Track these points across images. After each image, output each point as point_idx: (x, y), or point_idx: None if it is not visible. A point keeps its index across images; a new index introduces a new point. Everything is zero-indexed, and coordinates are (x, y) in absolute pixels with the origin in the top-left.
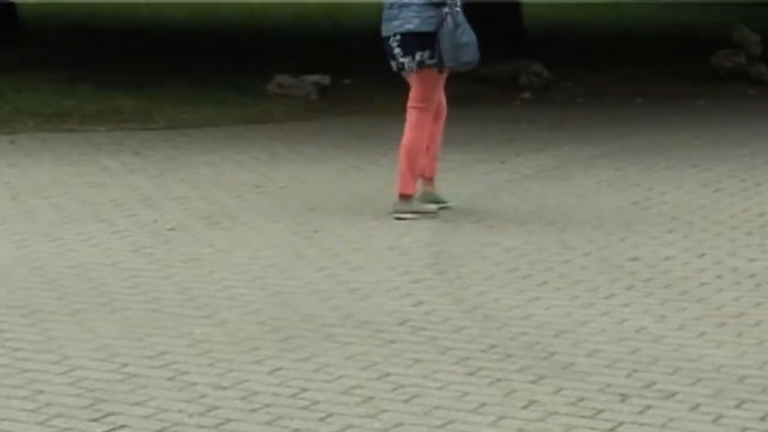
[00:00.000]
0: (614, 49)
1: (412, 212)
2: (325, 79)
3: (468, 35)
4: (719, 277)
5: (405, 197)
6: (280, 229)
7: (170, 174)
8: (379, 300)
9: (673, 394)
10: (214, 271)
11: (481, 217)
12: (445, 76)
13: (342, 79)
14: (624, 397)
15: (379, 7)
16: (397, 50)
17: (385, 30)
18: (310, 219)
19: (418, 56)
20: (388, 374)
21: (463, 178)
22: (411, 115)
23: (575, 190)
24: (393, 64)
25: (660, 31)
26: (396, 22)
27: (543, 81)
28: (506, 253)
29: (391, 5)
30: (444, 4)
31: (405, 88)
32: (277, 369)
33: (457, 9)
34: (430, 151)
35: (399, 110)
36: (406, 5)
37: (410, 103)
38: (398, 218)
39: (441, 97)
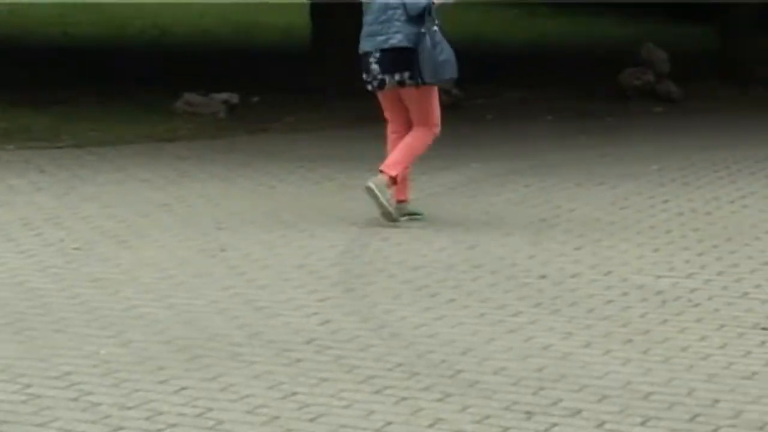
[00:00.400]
0: (524, 66)
1: (382, 199)
2: (233, 98)
3: (446, 53)
4: (626, 294)
5: (387, 177)
6: (187, 247)
7: (77, 192)
8: (285, 319)
9: (579, 411)
10: (121, 290)
11: (389, 235)
12: (437, 91)
13: (250, 97)
14: (530, 415)
15: (290, 27)
16: (374, 67)
17: (366, 45)
18: (218, 237)
19: (397, 76)
20: (294, 393)
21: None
22: (418, 131)
23: (484, 208)
24: (366, 78)
25: (570, 48)
26: (380, 38)
27: (452, 98)
28: (414, 270)
29: (375, 20)
30: (422, 23)
31: (310, 107)
32: (183, 388)
33: (435, 28)
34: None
35: (307, 128)
36: (389, 20)
37: (417, 124)
38: (368, 187)
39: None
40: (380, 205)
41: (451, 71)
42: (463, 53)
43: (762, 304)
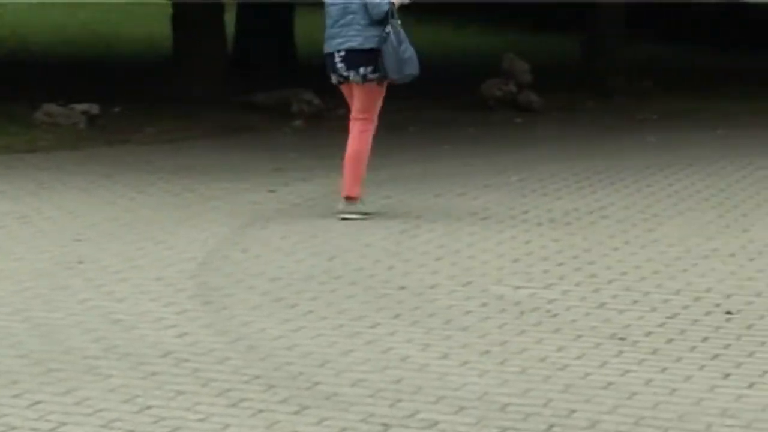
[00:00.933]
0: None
1: (358, 213)
2: (94, 108)
3: (410, 51)
4: (484, 305)
5: (351, 199)
6: (44, 260)
7: None
8: (142, 332)
9: (436, 423)
10: None
11: (249, 246)
12: (384, 89)
13: (111, 107)
14: (386, 427)
15: (152, 38)
16: (340, 65)
17: (329, 47)
18: (76, 249)
19: (361, 71)
20: (149, 407)
21: (231, 207)
22: (356, 126)
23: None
24: (333, 77)
25: (432, 58)
26: (339, 40)
27: (314, 108)
28: (273, 282)
29: (334, 23)
30: (386, 24)
31: (171, 117)
32: (37, 403)
33: (398, 28)
34: (353, 172)
35: (169, 139)
36: (349, 24)
37: (355, 115)
38: (344, 218)
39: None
40: (363, 217)
41: (414, 68)
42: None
43: (619, 314)
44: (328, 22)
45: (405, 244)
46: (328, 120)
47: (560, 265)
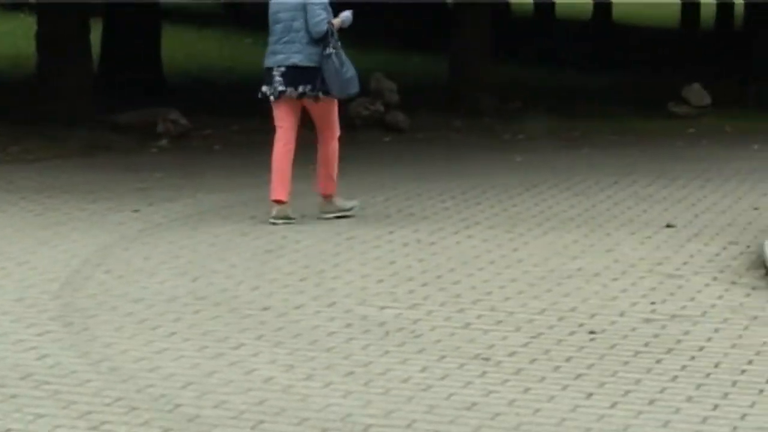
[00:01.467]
0: (252, 97)
1: (338, 211)
2: None
3: (351, 71)
4: (349, 325)
5: (328, 197)
6: None
7: None
8: (2, 353)
9: None
10: None
11: (112, 267)
12: (336, 103)
13: None
14: None
15: (16, 56)
16: (278, 80)
17: (270, 62)
18: None
19: (300, 88)
20: (8, 430)
21: (95, 227)
22: (322, 141)
23: (209, 239)
24: (267, 90)
25: None
26: (281, 56)
27: (180, 128)
28: (136, 303)
29: (278, 41)
30: (327, 44)
31: (35, 136)
32: None
33: (339, 49)
34: (326, 172)
35: (32, 159)
36: (291, 42)
37: (319, 132)
38: (323, 218)
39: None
40: (343, 214)
41: (356, 87)
42: (193, 83)
43: (483, 335)
44: (271, 38)
45: (270, 265)
46: (195, 140)
47: (425, 285)
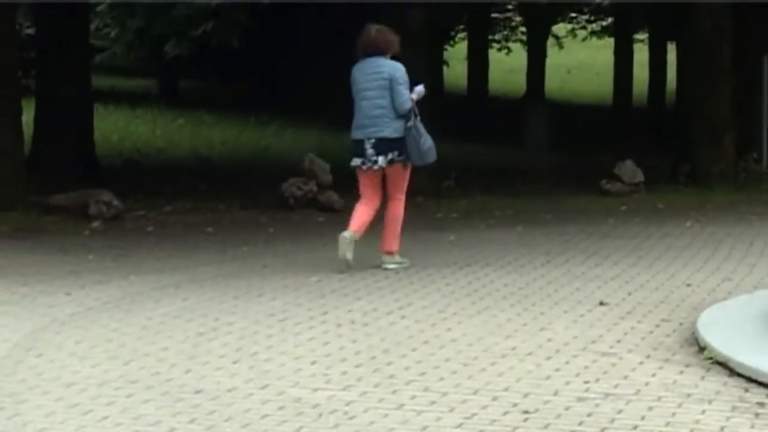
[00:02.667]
0: (189, 177)
1: (396, 263)
2: None
3: (429, 141)
4: (282, 408)
5: (390, 254)
6: None
7: None
8: None
9: None
10: None
11: (44, 351)
12: (409, 171)
13: None
14: None
15: None
16: (370, 151)
17: (359, 134)
18: None
19: (389, 155)
20: None
21: (27, 311)
22: (391, 202)
23: (141, 322)
24: (359, 161)
25: (234, 158)
26: (371, 129)
27: (113, 210)
28: (67, 388)
29: (365, 116)
30: (409, 118)
31: None
32: None
33: (418, 122)
34: (391, 230)
35: None
36: (379, 116)
37: (391, 195)
38: (386, 269)
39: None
40: (400, 266)
41: (433, 155)
42: (126, 164)
43: (417, 416)
44: (359, 114)
45: (202, 347)
46: (128, 221)
47: (358, 366)
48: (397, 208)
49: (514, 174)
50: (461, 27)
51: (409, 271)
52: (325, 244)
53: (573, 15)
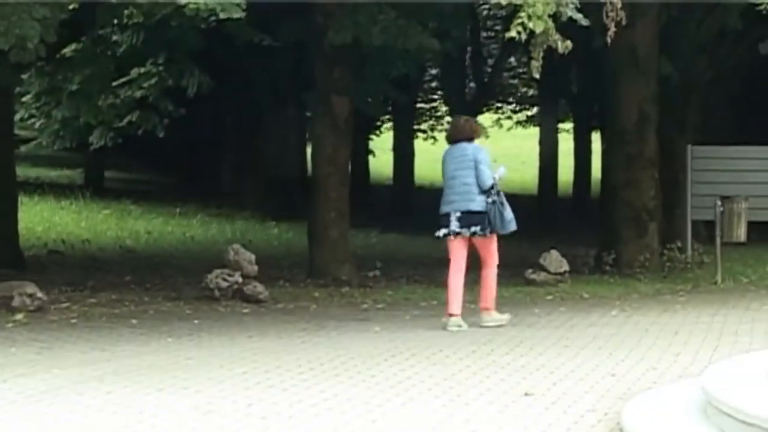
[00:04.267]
0: (110, 269)
1: (494, 321)
2: None
3: (510, 213)
4: None
5: (487, 311)
6: None
7: None
8: None
9: None
10: None
11: None
12: (495, 238)
13: None
14: None
15: None
16: (455, 223)
17: (445, 208)
18: None
19: (472, 228)
20: None
21: None
22: (489, 266)
23: (65, 416)
24: (445, 231)
25: (159, 249)
26: (458, 204)
27: (37, 302)
28: None
29: (453, 192)
30: (491, 193)
31: None
32: None
33: (502, 197)
34: (487, 291)
35: None
36: (465, 192)
37: (483, 262)
38: (486, 326)
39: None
40: (500, 324)
41: (514, 225)
42: (50, 255)
43: None
44: (448, 191)
45: None
46: (52, 313)
47: None
48: (490, 272)
49: (440, 264)
50: (387, 117)
51: (334, 363)
52: (250, 336)
53: (498, 105)
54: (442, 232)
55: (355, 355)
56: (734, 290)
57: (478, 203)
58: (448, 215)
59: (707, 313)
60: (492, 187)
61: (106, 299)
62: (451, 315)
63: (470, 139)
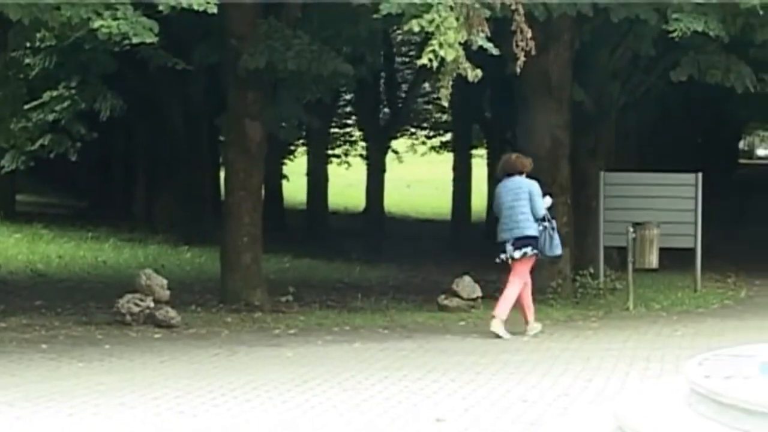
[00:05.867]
0: (21, 293)
1: (534, 331)
2: None
3: (558, 238)
4: None
5: (527, 322)
6: None
7: None
8: None
9: None
10: None
11: None
12: (534, 260)
13: None
14: None
15: None
16: (510, 248)
17: (505, 236)
18: None
19: (524, 250)
20: None
21: None
22: (511, 283)
23: None
24: (504, 256)
25: (71, 274)
26: (516, 230)
27: None
28: None
29: (509, 221)
30: (543, 220)
31: None
32: None
33: (553, 223)
34: (526, 306)
35: None
36: (520, 220)
37: (512, 279)
38: (534, 336)
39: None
40: (537, 333)
41: (560, 251)
42: None
43: None
44: (504, 219)
45: None
46: None
47: None
48: (514, 288)
49: (353, 289)
50: (301, 141)
51: (245, 389)
52: (162, 361)
53: (413, 130)
54: (501, 258)
55: (267, 381)
56: (646, 316)
57: (533, 229)
58: (505, 242)
59: (619, 339)
60: (543, 217)
61: (16, 324)
62: (528, 322)
63: (521, 173)
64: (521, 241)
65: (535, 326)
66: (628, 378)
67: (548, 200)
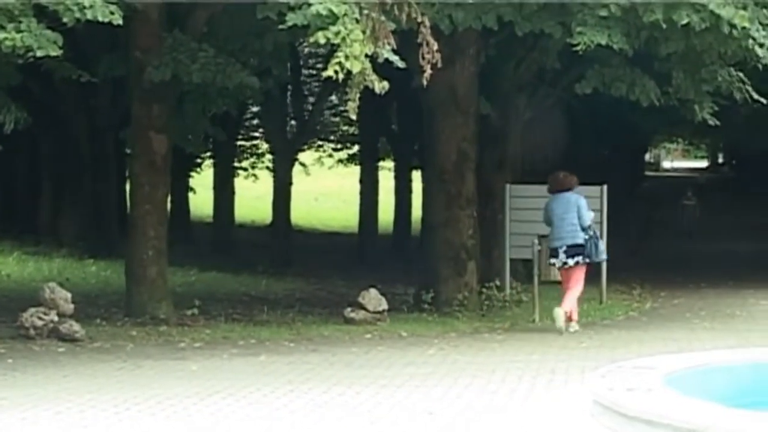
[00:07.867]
0: None
1: (574, 328)
2: None
3: (602, 245)
4: None
5: (570, 320)
6: None
7: None
8: None
9: None
10: None
11: None
12: (586, 266)
13: None
14: None
15: None
16: (562, 255)
17: (556, 243)
18: None
19: (576, 258)
20: None
21: None
22: (573, 291)
23: None
24: (556, 262)
25: None
26: (566, 239)
27: None
28: None
29: (560, 230)
30: (589, 229)
31: None
32: None
33: (597, 232)
34: (571, 306)
35: None
36: (571, 230)
37: (570, 286)
38: (575, 331)
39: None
40: (576, 330)
41: (605, 255)
42: None
43: None
44: (555, 229)
45: None
46: None
47: None
48: (574, 292)
49: (259, 302)
50: (208, 154)
51: (150, 402)
52: (65, 375)
53: (320, 143)
54: (552, 261)
55: (172, 395)
56: (551, 328)
57: (581, 238)
58: (556, 249)
59: (525, 352)
60: (589, 226)
61: None
62: (571, 320)
63: (569, 189)
64: (573, 249)
65: (575, 326)
66: (534, 390)
67: (591, 214)
